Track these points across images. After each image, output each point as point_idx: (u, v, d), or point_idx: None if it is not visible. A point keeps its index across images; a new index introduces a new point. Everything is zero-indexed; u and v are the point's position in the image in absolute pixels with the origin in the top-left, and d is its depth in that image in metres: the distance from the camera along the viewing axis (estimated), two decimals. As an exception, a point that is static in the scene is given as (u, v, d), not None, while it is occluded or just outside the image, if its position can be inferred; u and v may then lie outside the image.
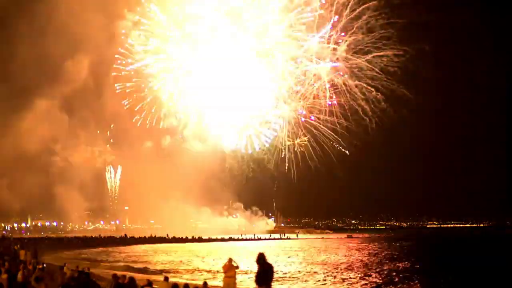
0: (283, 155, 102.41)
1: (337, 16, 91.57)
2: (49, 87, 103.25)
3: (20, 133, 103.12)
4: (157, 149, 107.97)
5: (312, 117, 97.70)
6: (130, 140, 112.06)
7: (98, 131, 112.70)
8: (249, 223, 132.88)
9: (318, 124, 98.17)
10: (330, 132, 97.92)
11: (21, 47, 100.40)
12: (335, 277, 30.88)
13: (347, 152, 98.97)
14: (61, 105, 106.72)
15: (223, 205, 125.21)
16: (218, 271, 29.83)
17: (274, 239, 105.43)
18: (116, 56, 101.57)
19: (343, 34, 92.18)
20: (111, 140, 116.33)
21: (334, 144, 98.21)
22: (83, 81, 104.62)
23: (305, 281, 29.19)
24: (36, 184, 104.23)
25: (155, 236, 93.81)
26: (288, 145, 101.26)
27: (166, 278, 17.33)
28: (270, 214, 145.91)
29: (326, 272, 33.05)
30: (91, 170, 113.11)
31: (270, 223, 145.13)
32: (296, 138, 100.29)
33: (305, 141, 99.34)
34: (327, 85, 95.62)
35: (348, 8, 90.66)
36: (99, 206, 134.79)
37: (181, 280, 24.68)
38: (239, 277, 18.98)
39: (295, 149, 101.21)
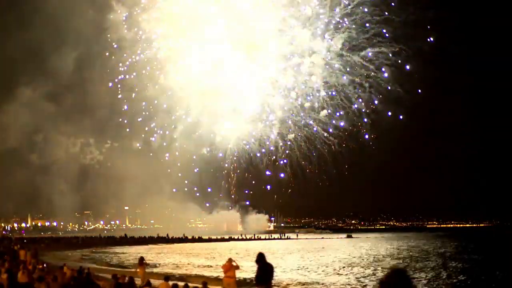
0: (278, 155, 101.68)
1: (332, 12, 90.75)
2: (35, 80, 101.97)
3: (3, 127, 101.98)
4: (146, 147, 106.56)
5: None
6: (119, 136, 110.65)
7: (86, 126, 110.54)
8: (239, 222, 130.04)
9: (312, 124, 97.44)
10: (324, 133, 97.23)
11: (6, 38, 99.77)
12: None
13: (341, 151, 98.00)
14: (48, 98, 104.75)
15: (212, 202, 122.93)
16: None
17: (274, 239, 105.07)
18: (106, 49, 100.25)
19: (337, 30, 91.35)
20: (99, 136, 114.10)
21: (329, 143, 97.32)
22: (69, 73, 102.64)
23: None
24: (24, 182, 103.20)
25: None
26: (283, 145, 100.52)
27: (167, 278, 17.30)
28: (261, 211, 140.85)
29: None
30: (80, 167, 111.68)
31: (262, 219, 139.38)
32: (288, 136, 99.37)
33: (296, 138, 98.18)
34: (321, 83, 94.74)
35: (342, 4, 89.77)
36: (92, 205, 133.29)
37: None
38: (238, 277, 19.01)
39: (290, 147, 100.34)
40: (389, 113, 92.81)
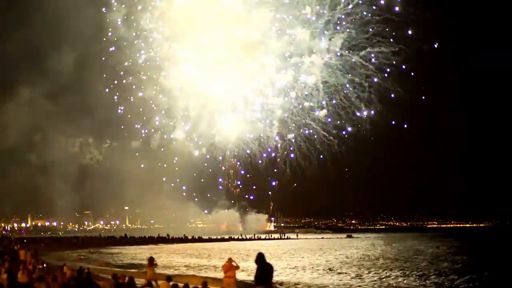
0: (277, 155, 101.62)
1: (332, 12, 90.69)
2: (34, 79, 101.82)
3: (2, 127, 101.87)
4: (146, 147, 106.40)
5: None
6: (118, 136, 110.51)
7: (85, 126, 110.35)
8: (239, 222, 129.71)
9: (311, 124, 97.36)
10: (324, 133, 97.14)
11: (5, 38, 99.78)
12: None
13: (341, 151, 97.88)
14: (47, 98, 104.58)
15: (211, 202, 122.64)
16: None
17: (274, 239, 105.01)
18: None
19: (337, 28, 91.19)
20: (98, 135, 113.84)
21: (329, 143, 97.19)
22: (69, 73, 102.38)
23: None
24: (24, 182, 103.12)
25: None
26: (284, 145, 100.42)
27: (169, 278, 17.27)
28: (261, 211, 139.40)
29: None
30: (80, 167, 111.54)
31: (262, 219, 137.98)
32: (287, 135, 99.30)
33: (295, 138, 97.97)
34: (320, 83, 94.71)
35: (342, 4, 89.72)
36: (92, 205, 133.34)
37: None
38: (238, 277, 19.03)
39: (289, 148, 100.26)
40: (388, 112, 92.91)
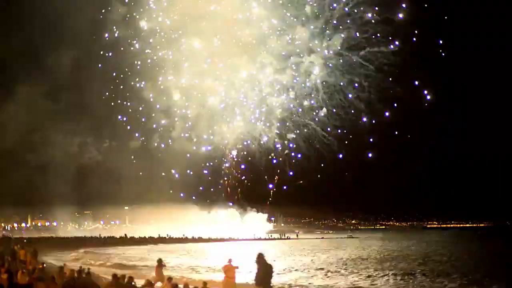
0: (277, 155, 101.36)
1: (331, 12, 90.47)
2: (33, 78, 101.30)
3: (2, 126, 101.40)
4: (145, 146, 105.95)
5: None
6: (117, 136, 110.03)
7: (84, 125, 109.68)
8: (239, 222, 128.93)
9: (311, 124, 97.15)
10: (324, 133, 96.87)
11: (3, 37, 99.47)
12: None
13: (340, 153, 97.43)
14: (46, 97, 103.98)
15: (210, 202, 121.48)
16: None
17: (274, 239, 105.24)
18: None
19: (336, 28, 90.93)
20: (97, 135, 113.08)
21: (328, 143, 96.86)
22: (67, 72, 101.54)
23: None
24: (23, 182, 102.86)
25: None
26: (283, 145, 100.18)
27: (169, 279, 17.29)
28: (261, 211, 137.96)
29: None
30: (79, 167, 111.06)
31: (261, 218, 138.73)
32: (286, 135, 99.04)
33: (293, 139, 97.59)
34: (319, 83, 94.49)
35: (342, 3, 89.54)
36: (92, 205, 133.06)
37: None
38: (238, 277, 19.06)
39: (289, 147, 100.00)
40: (387, 113, 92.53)
